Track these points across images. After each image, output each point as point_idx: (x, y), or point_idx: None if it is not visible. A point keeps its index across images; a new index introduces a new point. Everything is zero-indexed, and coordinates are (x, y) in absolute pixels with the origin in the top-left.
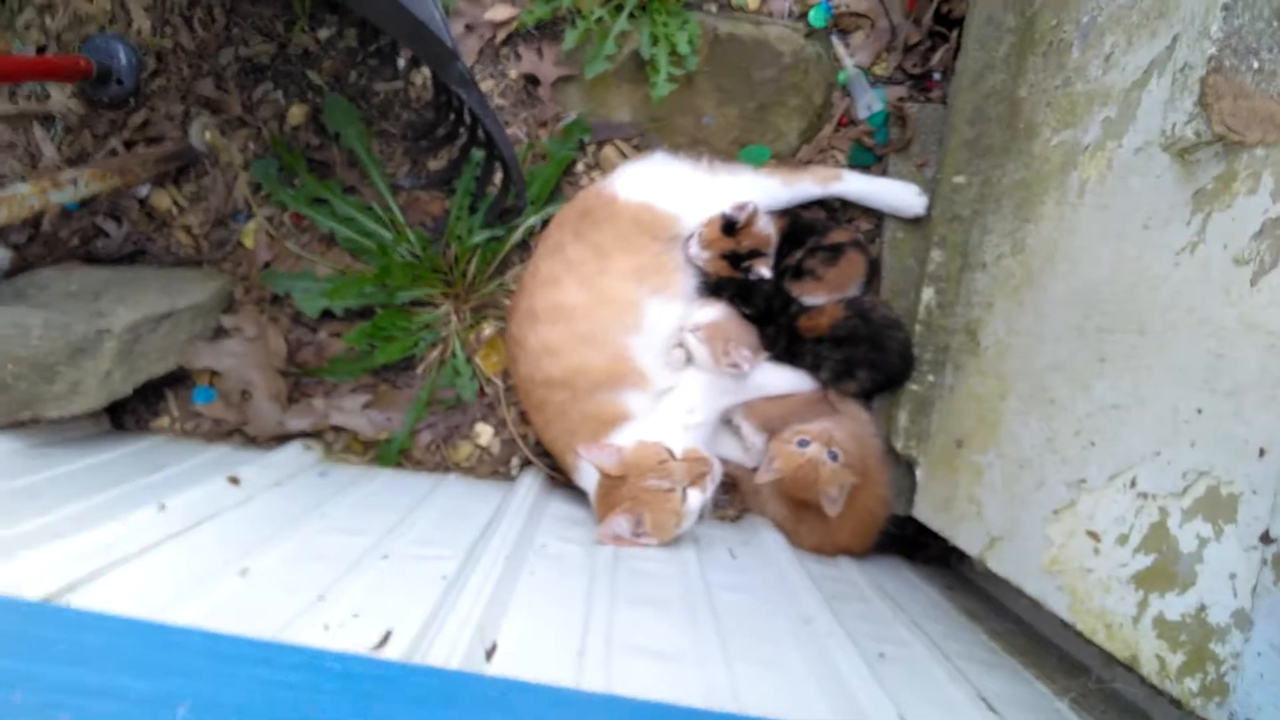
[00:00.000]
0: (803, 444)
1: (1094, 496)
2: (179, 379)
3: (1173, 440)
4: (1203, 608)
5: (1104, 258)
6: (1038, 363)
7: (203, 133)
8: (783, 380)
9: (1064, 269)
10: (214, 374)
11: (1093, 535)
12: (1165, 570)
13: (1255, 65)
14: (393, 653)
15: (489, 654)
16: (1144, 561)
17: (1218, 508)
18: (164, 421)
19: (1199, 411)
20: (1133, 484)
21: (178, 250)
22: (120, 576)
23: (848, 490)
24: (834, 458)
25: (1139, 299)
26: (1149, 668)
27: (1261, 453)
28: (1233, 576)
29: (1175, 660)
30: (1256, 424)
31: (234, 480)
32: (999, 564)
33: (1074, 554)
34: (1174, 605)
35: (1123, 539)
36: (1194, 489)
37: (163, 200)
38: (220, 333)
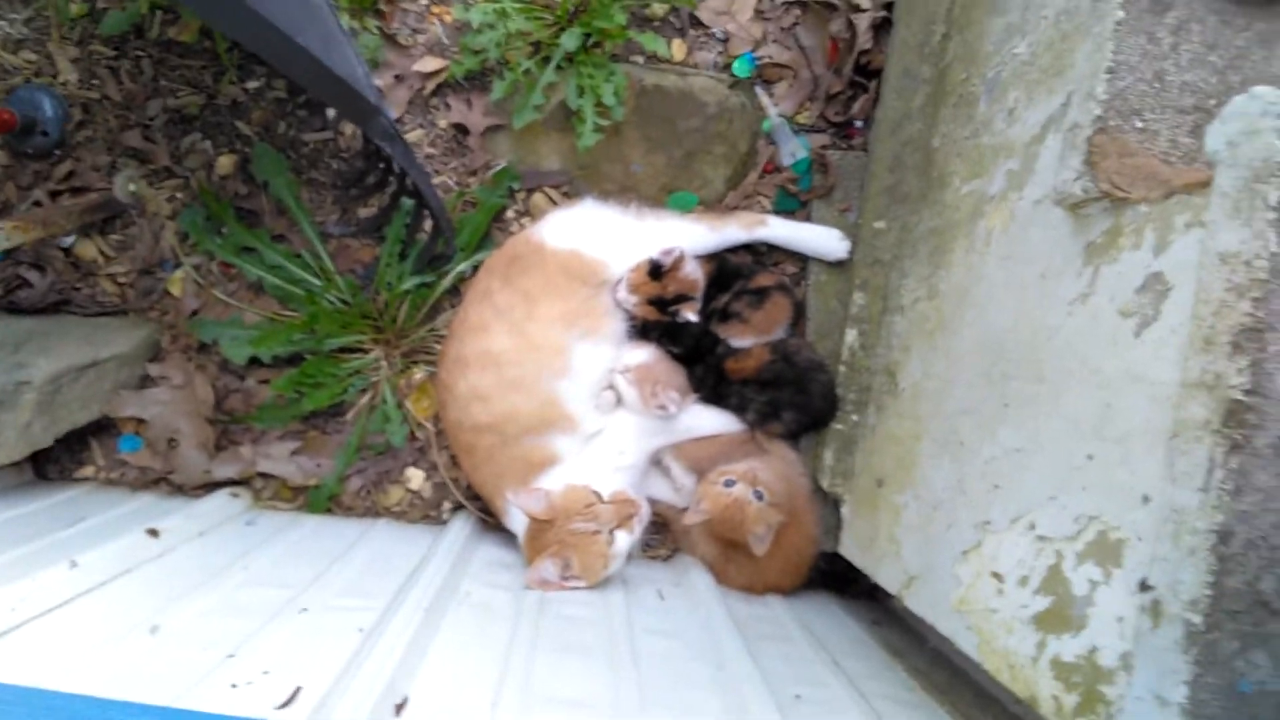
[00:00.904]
0: (728, 484)
1: (998, 538)
2: (104, 428)
3: (1067, 485)
4: (1094, 650)
5: (1008, 306)
6: (949, 406)
7: (128, 183)
8: (711, 421)
9: (972, 315)
10: (140, 422)
11: (997, 576)
12: (1061, 612)
13: (1139, 125)
14: (299, 711)
15: (399, 708)
16: (1043, 603)
17: (1106, 552)
18: (89, 470)
19: (1090, 458)
20: (1032, 527)
21: (103, 300)
22: (24, 638)
23: (774, 529)
24: (759, 497)
25: (1038, 347)
26: (1046, 708)
27: (1145, 499)
28: (1120, 620)
29: (1070, 701)
30: (1141, 472)
31: (153, 532)
32: (915, 603)
33: (980, 594)
34: (1069, 647)
35: (1024, 581)
36: (1085, 533)
37: (88, 250)
38: (146, 381)
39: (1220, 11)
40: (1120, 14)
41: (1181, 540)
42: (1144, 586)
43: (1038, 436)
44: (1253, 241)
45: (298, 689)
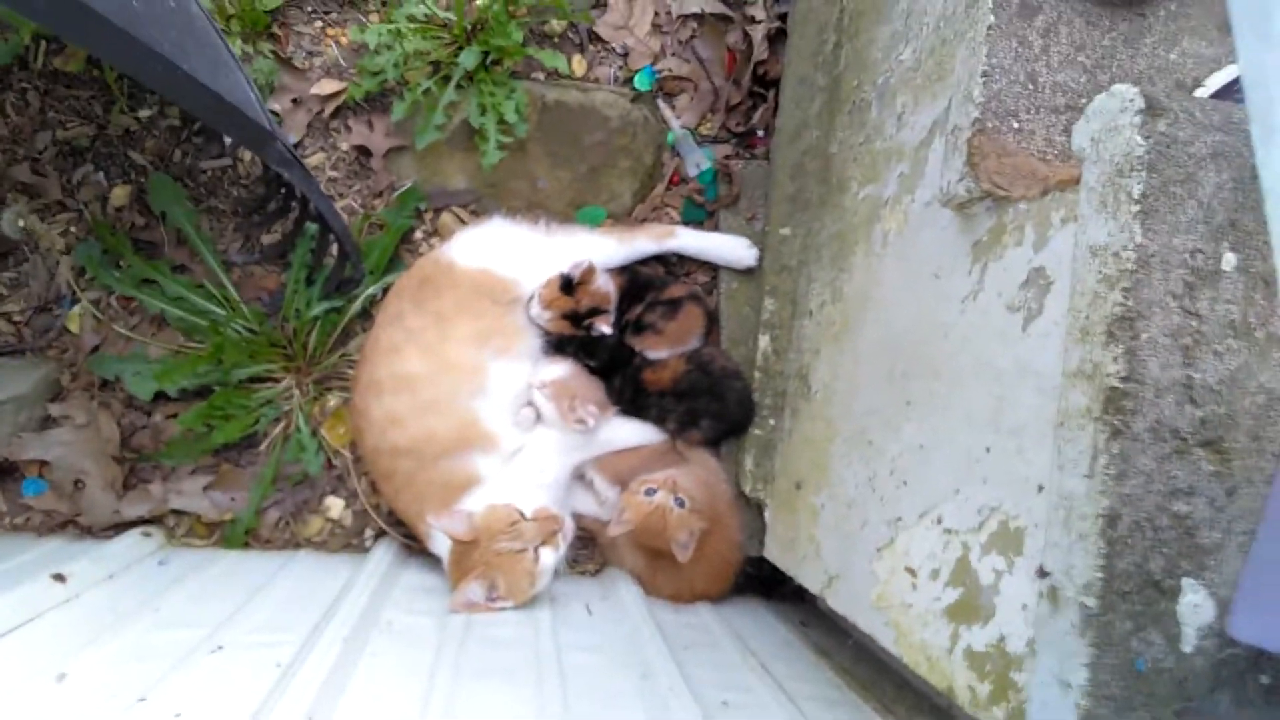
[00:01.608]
0: (649, 493)
1: (909, 534)
2: (6, 471)
3: (969, 478)
4: (1002, 638)
5: (905, 306)
6: (857, 406)
7: (17, 219)
8: (631, 433)
9: (874, 316)
10: (43, 465)
11: (910, 571)
12: (970, 603)
13: (1015, 125)
14: None
15: None
16: (953, 595)
17: (1008, 542)
18: None
19: (988, 450)
20: (939, 521)
21: None
22: None
23: (697, 535)
24: (680, 504)
25: (934, 345)
26: (963, 697)
27: (1040, 488)
28: (1024, 607)
29: (984, 690)
30: (1034, 462)
31: (59, 577)
32: (836, 601)
33: (896, 590)
34: (979, 637)
35: (934, 574)
36: (988, 524)
37: None
38: (48, 422)
39: (1086, 14)
40: (991, 19)
41: (1072, 525)
42: (1041, 573)
43: (939, 432)
44: (1119, 234)
45: None
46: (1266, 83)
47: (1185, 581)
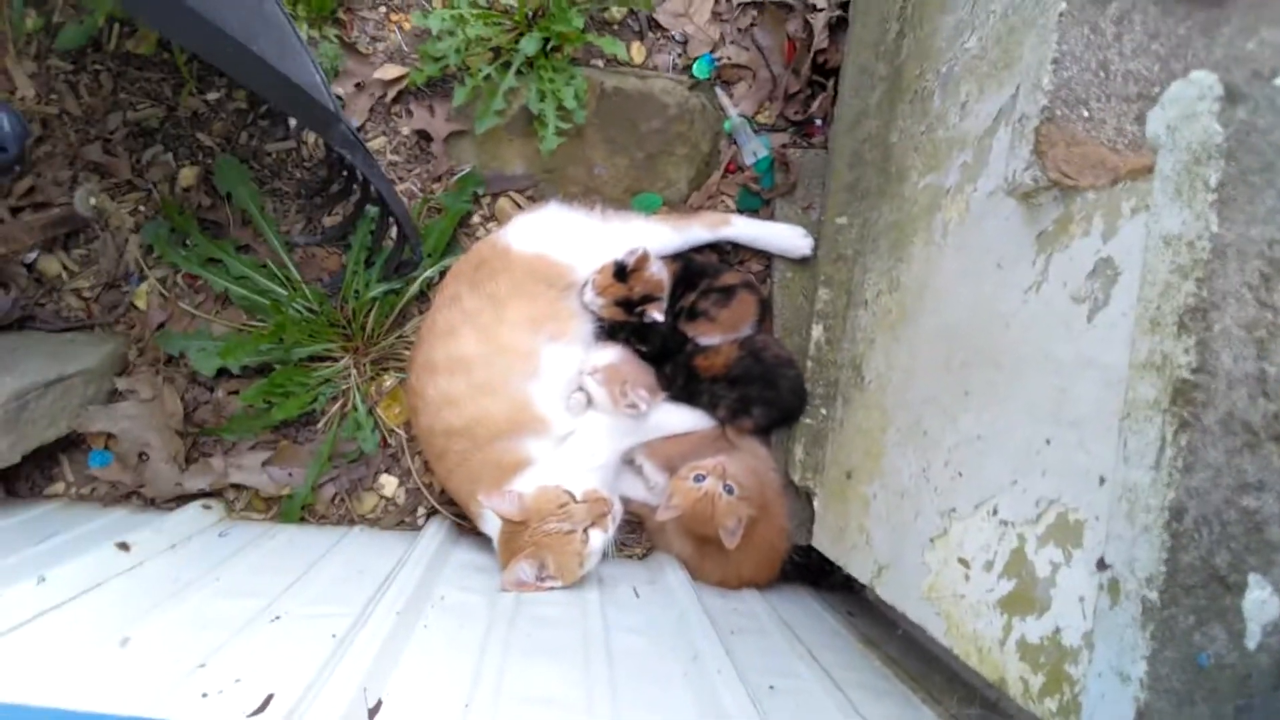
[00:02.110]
0: (698, 479)
1: (963, 525)
2: (74, 443)
3: (1027, 470)
4: (1058, 630)
5: (965, 295)
6: (912, 396)
7: (89, 198)
8: (681, 419)
9: (932, 306)
10: (110, 437)
11: (963, 562)
12: (1025, 595)
13: (1085, 114)
14: (271, 718)
15: (372, 712)
16: (1007, 586)
17: (1066, 534)
18: (59, 487)
19: (1048, 442)
20: (995, 512)
21: (69, 315)
22: None
23: (745, 522)
24: (729, 491)
25: (994, 335)
26: (1015, 689)
27: (1101, 481)
28: (1081, 600)
29: (1037, 681)
30: (1096, 454)
31: (124, 546)
32: (886, 591)
33: (948, 580)
34: (1034, 628)
35: (988, 565)
36: (1046, 516)
37: (52, 265)
38: (115, 395)
39: (1161, 2)
40: (1063, 5)
41: (1136, 518)
42: (1102, 565)
43: (997, 423)
44: (1194, 223)
45: (270, 696)
46: None
47: (1251, 577)
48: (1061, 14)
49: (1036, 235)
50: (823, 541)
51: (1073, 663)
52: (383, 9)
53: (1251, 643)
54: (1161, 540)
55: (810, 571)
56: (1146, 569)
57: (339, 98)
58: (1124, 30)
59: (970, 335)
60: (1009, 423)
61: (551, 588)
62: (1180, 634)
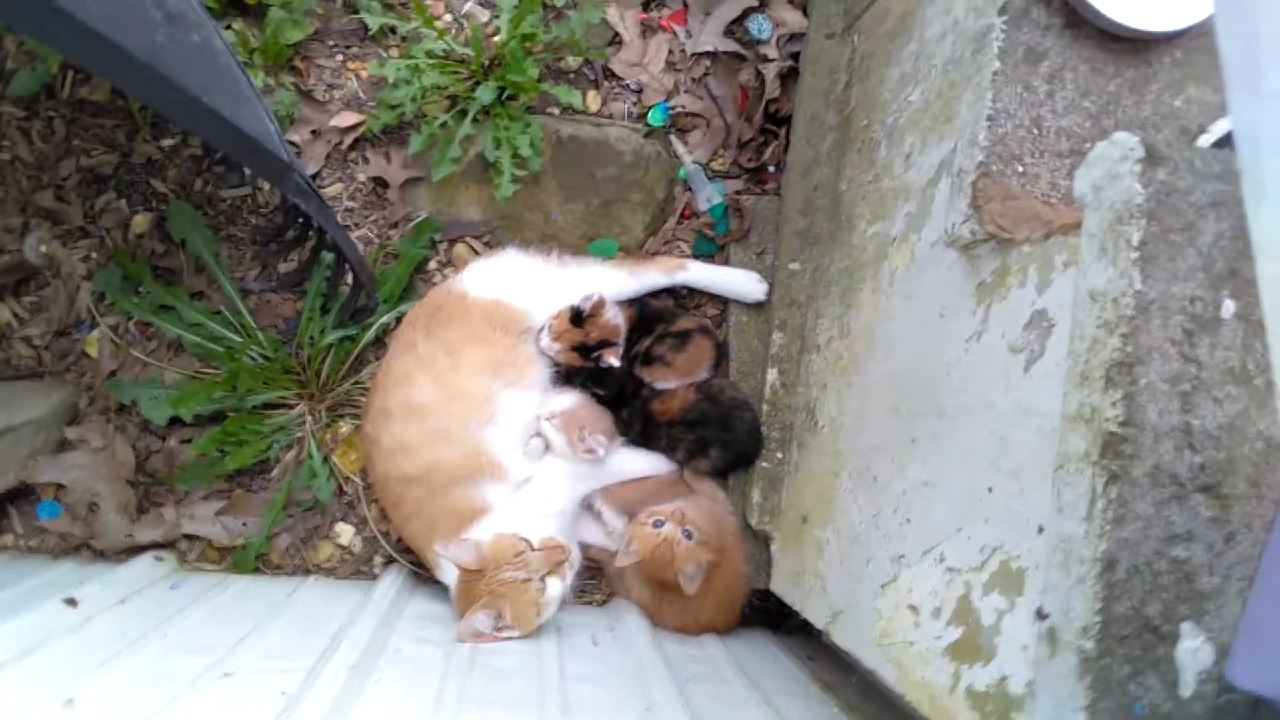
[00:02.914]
0: (657, 524)
1: (912, 571)
2: (22, 494)
3: (971, 517)
4: (1004, 678)
5: (911, 343)
6: (863, 442)
7: (40, 244)
8: (639, 463)
9: (880, 353)
10: (59, 488)
11: (912, 608)
12: (972, 642)
13: (1020, 169)
14: None
15: None
16: (954, 634)
17: (1009, 582)
18: (7, 539)
19: (990, 490)
20: (942, 559)
21: (18, 363)
22: None
23: (705, 568)
24: (688, 536)
25: (939, 383)
26: None
27: (1040, 529)
28: (1025, 648)
29: None
30: (1034, 503)
31: (71, 602)
32: (841, 637)
33: (899, 627)
34: (981, 676)
35: (937, 612)
36: (990, 564)
37: (1, 313)
38: (65, 445)
39: (1091, 60)
40: (997, 64)
41: (1071, 569)
42: (1040, 615)
43: (942, 470)
44: (1119, 280)
45: None
46: (1257, 140)
47: (1184, 626)
48: (995, 73)
49: (976, 286)
50: (780, 585)
51: (1018, 711)
52: (339, 57)
53: (1186, 691)
54: (1095, 591)
55: (769, 615)
56: (1082, 619)
57: (295, 144)
58: (1056, 88)
59: (916, 383)
60: (953, 470)
61: (509, 637)
62: (1116, 684)
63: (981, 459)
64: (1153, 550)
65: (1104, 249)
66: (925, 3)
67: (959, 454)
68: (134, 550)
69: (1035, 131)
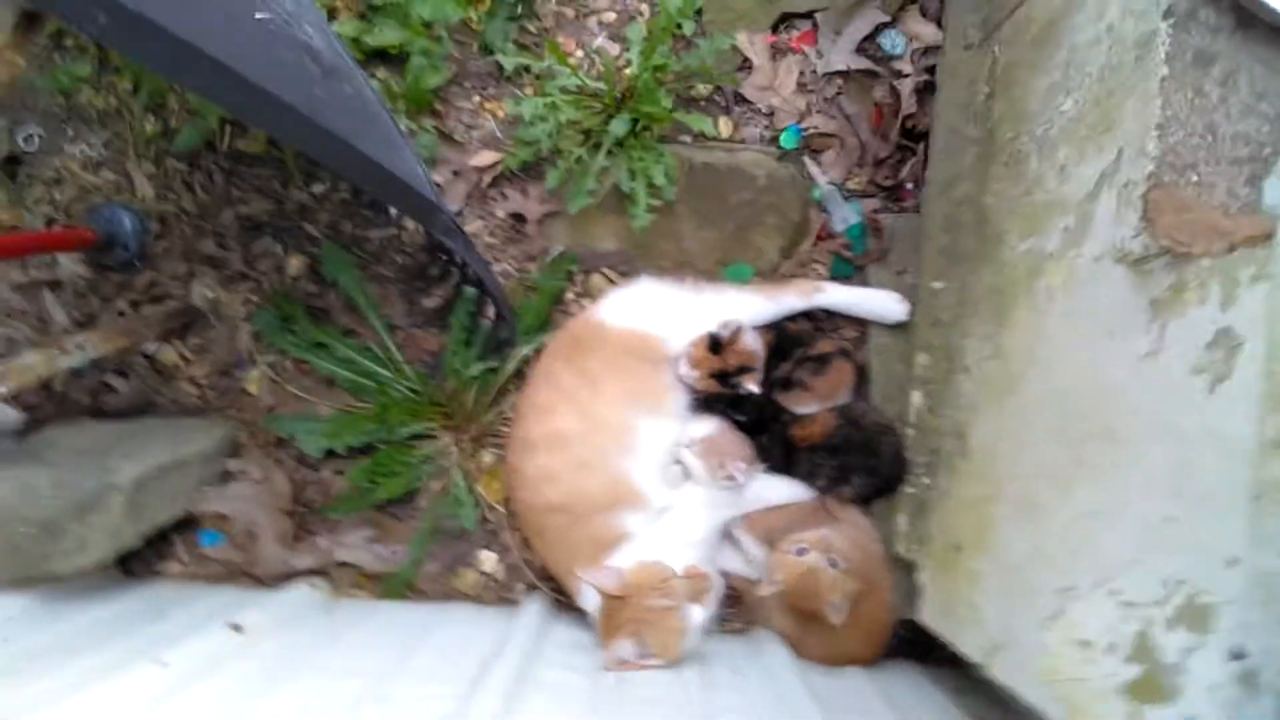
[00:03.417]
0: (801, 552)
1: (1082, 604)
2: (186, 523)
3: (1151, 548)
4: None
5: (1074, 363)
6: (1022, 468)
7: (204, 290)
8: (780, 490)
9: (1039, 374)
10: (221, 517)
11: (1083, 644)
12: (1153, 681)
13: (1194, 179)
14: None
15: None
16: (1132, 671)
17: (1196, 618)
18: (172, 566)
19: (1170, 519)
20: (1116, 592)
21: (184, 401)
22: None
23: (851, 598)
24: (833, 565)
25: (1108, 405)
26: None
27: (1232, 562)
28: (1213, 689)
29: None
30: (1224, 532)
31: (236, 627)
32: (1001, 671)
33: (1067, 663)
34: (1163, 717)
35: (1111, 648)
36: (1174, 598)
37: (169, 355)
38: (227, 477)
39: (1266, 60)
40: (1165, 70)
41: (1272, 607)
42: (1236, 655)
43: (1115, 497)
44: None
45: None
46: None
47: None
48: (1164, 79)
49: (1149, 302)
50: (929, 616)
51: None
52: (476, 98)
53: None
54: None
55: (916, 647)
56: None
57: (437, 185)
58: (1229, 92)
59: (1082, 405)
60: (1128, 497)
61: (652, 666)
62: None
63: (1160, 486)
64: None
65: None
66: (1074, 9)
67: (1134, 480)
68: (290, 577)
69: (1209, 139)
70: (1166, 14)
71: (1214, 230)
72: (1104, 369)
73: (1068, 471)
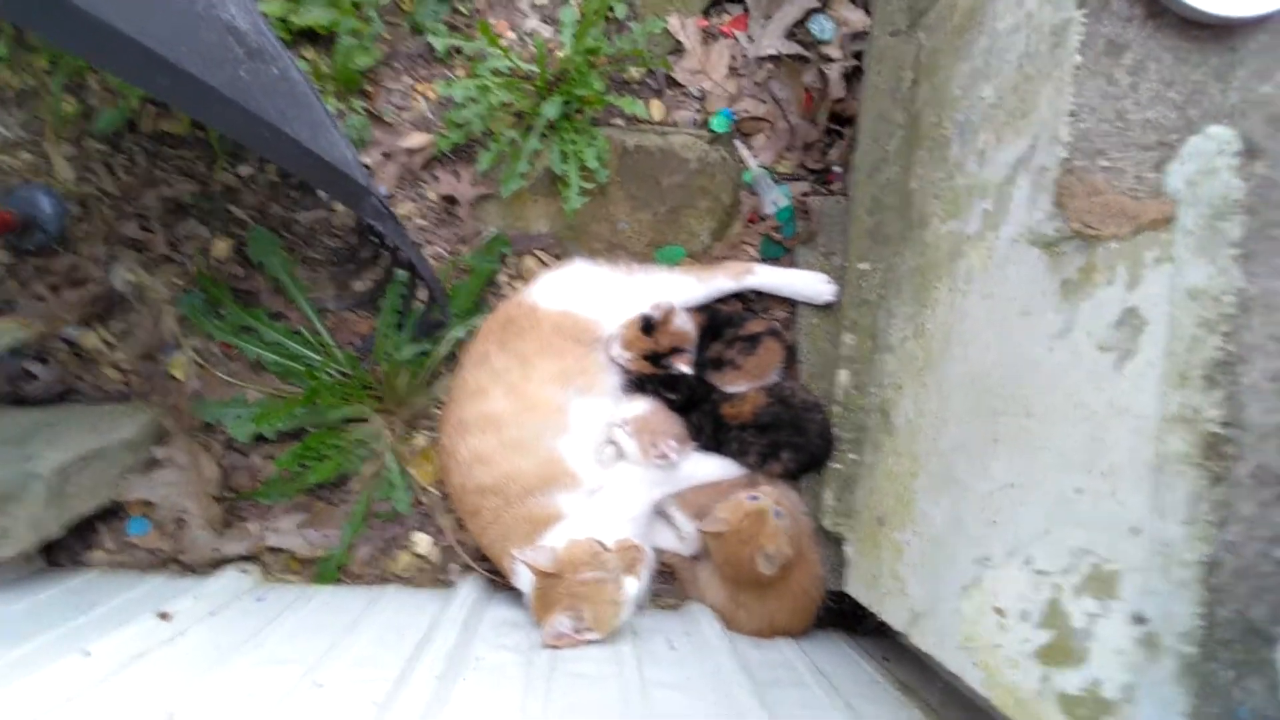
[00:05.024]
0: (754, 499)
1: (998, 574)
2: (112, 511)
3: (1060, 519)
4: (1097, 682)
5: (991, 342)
6: (943, 443)
7: (126, 273)
8: (711, 468)
9: (959, 352)
10: (148, 505)
11: (999, 611)
12: (1063, 646)
13: (1104, 164)
14: None
15: None
16: (1044, 637)
17: (1102, 585)
18: (98, 555)
19: (1080, 491)
20: (1029, 561)
21: (107, 387)
22: None
23: (783, 557)
24: (778, 515)
25: (1023, 383)
26: None
27: (1135, 531)
28: (1119, 652)
29: None
30: (1129, 504)
31: (164, 616)
32: (922, 639)
33: (984, 630)
34: (1072, 680)
35: (1025, 615)
36: (1081, 566)
37: (90, 339)
38: (153, 464)
39: (1175, 49)
40: (1078, 58)
41: (1171, 573)
42: (1138, 619)
43: (1029, 471)
44: (1218, 277)
45: None
46: None
47: None
48: (1077, 66)
49: (1061, 283)
50: (856, 588)
51: (1111, 715)
52: (407, 80)
53: None
54: (1198, 595)
55: (844, 617)
56: (1183, 623)
57: (367, 167)
58: (1139, 79)
59: (999, 382)
60: (1041, 471)
61: (589, 640)
62: (1219, 688)
63: (1071, 459)
64: (1256, 552)
65: (1202, 245)
66: None
67: (1047, 454)
68: (220, 563)
69: (1119, 125)
70: (1081, 3)
71: (1122, 214)
72: (1019, 347)
73: (985, 446)
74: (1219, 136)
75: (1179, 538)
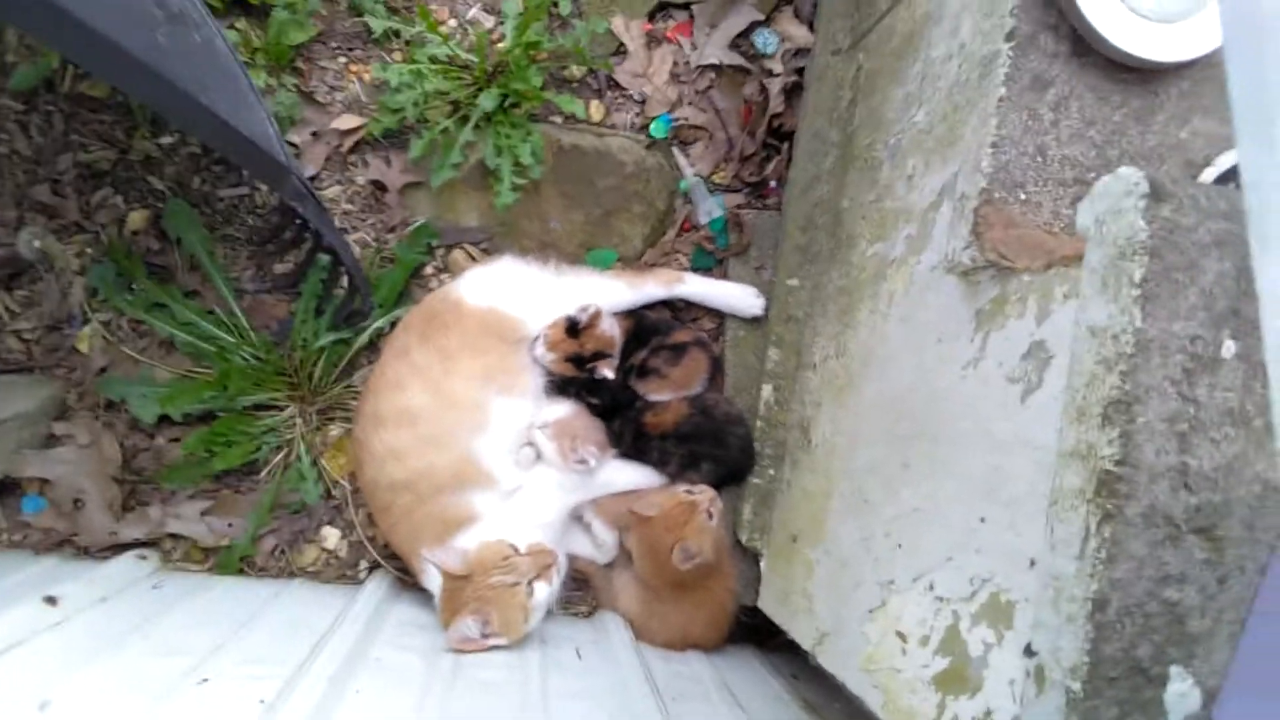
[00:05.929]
0: (690, 492)
1: (901, 598)
2: (7, 488)
3: (963, 546)
4: (989, 712)
5: (907, 367)
6: (856, 464)
7: (33, 239)
8: (630, 476)
9: (876, 374)
10: (44, 483)
11: (901, 635)
12: (960, 673)
13: (1022, 197)
14: None
15: None
16: (942, 663)
17: (999, 615)
18: None
19: (982, 520)
20: (931, 587)
21: (8, 357)
22: None
23: (704, 556)
24: (710, 517)
25: (934, 409)
26: None
27: (1032, 564)
28: (1012, 683)
29: None
30: (1028, 536)
31: (51, 600)
32: (827, 659)
33: (886, 653)
34: (966, 708)
35: (924, 640)
36: (979, 595)
37: None
38: (51, 440)
39: (1097, 89)
40: (1003, 90)
41: (1061, 607)
42: (1028, 652)
43: (935, 497)
44: (1119, 317)
45: None
46: (1263, 187)
47: (1173, 669)
48: (1001, 99)
49: (975, 312)
50: (768, 604)
51: None
52: (342, 59)
53: None
54: (1085, 630)
55: (756, 632)
56: (1070, 659)
57: (295, 146)
58: (1061, 116)
59: (912, 407)
60: (946, 498)
61: (496, 645)
62: None
63: (975, 488)
64: (1144, 591)
65: (1105, 284)
66: (931, 24)
67: (953, 482)
68: (118, 548)
69: (1039, 159)
70: (1009, 36)
71: (1037, 247)
72: (932, 374)
73: (895, 470)
74: (1127, 177)
75: (1069, 572)
